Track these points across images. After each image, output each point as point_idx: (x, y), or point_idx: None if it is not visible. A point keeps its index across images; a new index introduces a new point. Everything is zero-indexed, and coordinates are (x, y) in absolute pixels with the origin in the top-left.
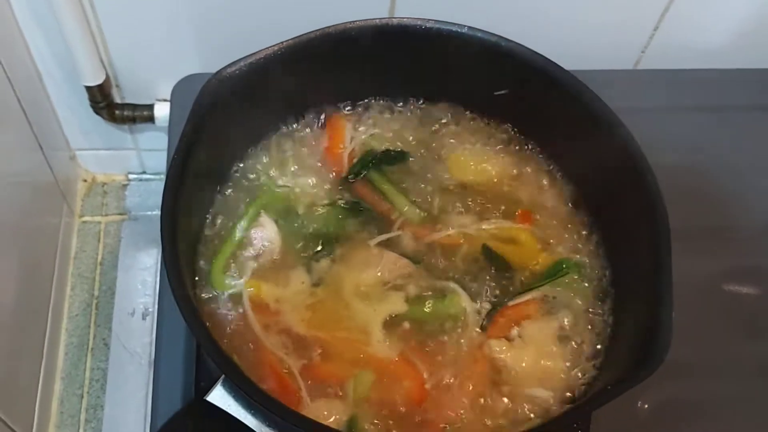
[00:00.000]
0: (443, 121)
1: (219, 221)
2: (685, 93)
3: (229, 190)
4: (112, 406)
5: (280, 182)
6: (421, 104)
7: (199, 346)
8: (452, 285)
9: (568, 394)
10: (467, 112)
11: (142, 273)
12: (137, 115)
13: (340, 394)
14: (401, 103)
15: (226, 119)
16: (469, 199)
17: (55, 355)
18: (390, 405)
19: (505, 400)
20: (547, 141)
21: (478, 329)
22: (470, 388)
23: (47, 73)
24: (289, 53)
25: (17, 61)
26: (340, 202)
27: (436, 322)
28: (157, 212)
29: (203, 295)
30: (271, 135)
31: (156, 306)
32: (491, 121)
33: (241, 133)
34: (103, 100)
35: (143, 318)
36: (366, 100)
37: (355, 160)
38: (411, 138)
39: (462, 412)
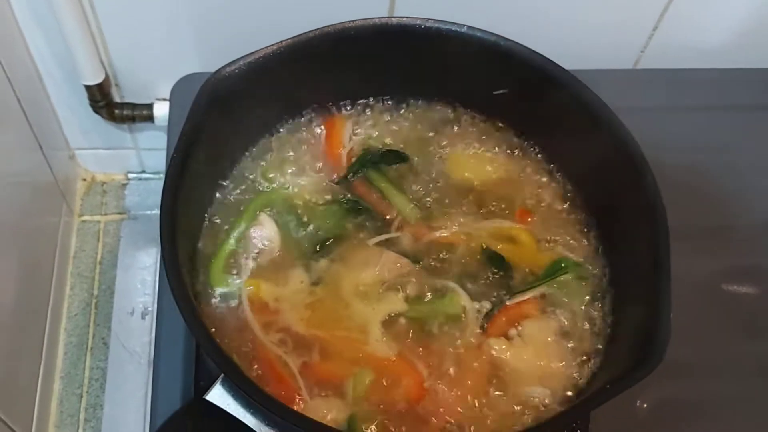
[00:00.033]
0: (442, 120)
1: (218, 220)
2: (685, 93)
3: (229, 189)
4: (112, 405)
5: (279, 181)
6: (421, 104)
7: (199, 346)
8: (451, 284)
9: (568, 393)
10: (467, 112)
11: (142, 272)
12: (137, 115)
13: (340, 393)
14: (400, 103)
15: (225, 118)
16: (468, 199)
17: (54, 354)
18: (389, 404)
19: (505, 399)
20: (546, 140)
21: (477, 328)
22: (469, 387)
23: (47, 72)
24: (289, 52)
25: (17, 60)
26: (339, 201)
27: (435, 322)
28: (157, 211)
29: (202, 294)
30: (270, 134)
31: (155, 305)
32: (490, 120)
33: (240, 132)
34: (102, 100)
35: (143, 317)
36: (365, 100)
37: (354, 160)
38: (410, 137)
39: (461, 411)
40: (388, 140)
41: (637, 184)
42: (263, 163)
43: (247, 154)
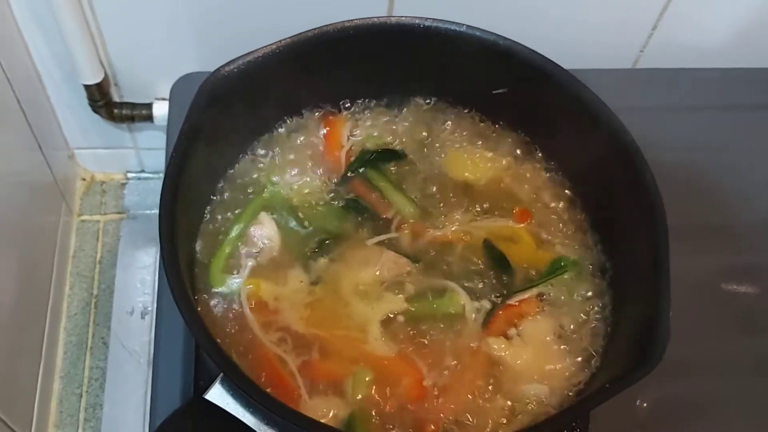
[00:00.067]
0: (441, 120)
1: (218, 219)
2: (684, 92)
3: (228, 189)
4: (111, 405)
5: (278, 181)
6: (420, 103)
7: (198, 345)
8: (451, 283)
9: (567, 392)
10: (466, 111)
11: (141, 272)
12: (136, 114)
13: (339, 392)
14: (400, 102)
15: (224, 117)
16: (468, 198)
17: (54, 354)
18: (389, 403)
19: (504, 398)
20: (545, 140)
21: (476, 328)
22: (468, 386)
23: (46, 72)
24: (287, 52)
25: (16, 60)
26: (338, 200)
27: (434, 321)
28: (156, 211)
29: (202, 293)
30: (269, 133)
31: (155, 305)
32: (490, 120)
33: (239, 132)
34: (101, 99)
35: (142, 317)
36: (364, 99)
37: (353, 159)
38: (409, 137)
39: (460, 410)
40: (387, 140)
41: (636, 184)
42: (262, 163)
43: (246, 153)
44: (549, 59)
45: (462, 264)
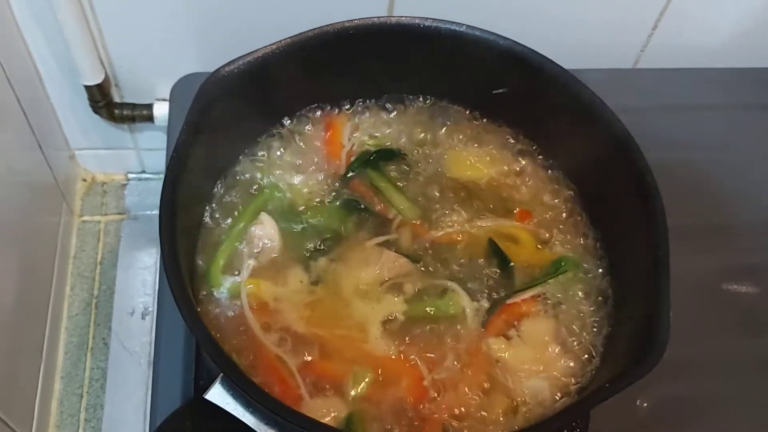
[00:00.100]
0: (442, 119)
1: (218, 219)
2: (684, 92)
3: (229, 189)
4: (112, 405)
5: (279, 181)
6: (420, 103)
7: (198, 345)
8: (451, 283)
9: (567, 391)
10: (466, 111)
11: (142, 272)
12: (136, 115)
13: (339, 391)
14: (399, 102)
15: (224, 117)
16: (468, 198)
17: (54, 354)
18: (388, 403)
19: (504, 397)
20: (545, 139)
21: (476, 327)
22: (468, 385)
23: (46, 72)
24: (287, 52)
25: (17, 60)
26: (338, 200)
27: (434, 321)
28: (157, 211)
29: (202, 293)
30: (269, 133)
31: (155, 305)
32: (490, 119)
33: (239, 131)
34: (102, 100)
35: (143, 317)
36: (364, 99)
37: (353, 159)
38: (409, 137)
39: (460, 409)
40: (387, 139)
41: (636, 184)
42: (262, 163)
43: (246, 153)
44: (549, 59)
45: (462, 264)
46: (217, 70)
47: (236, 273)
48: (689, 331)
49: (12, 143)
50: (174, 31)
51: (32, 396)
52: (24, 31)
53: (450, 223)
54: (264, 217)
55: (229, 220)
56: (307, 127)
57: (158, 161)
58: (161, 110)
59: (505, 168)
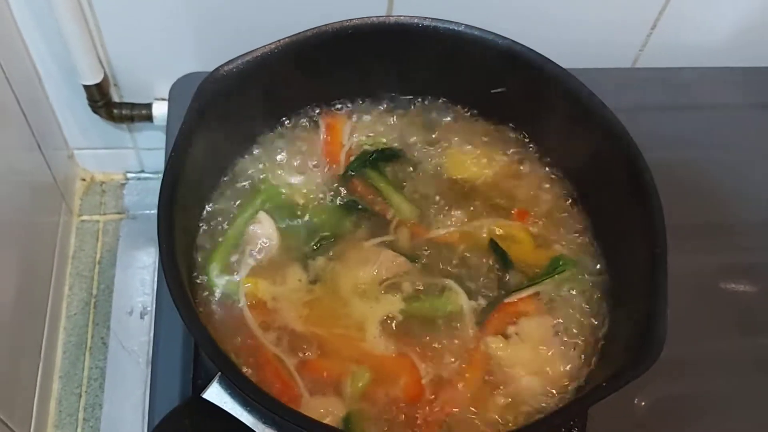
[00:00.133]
0: (441, 119)
1: (217, 219)
2: (683, 91)
3: (227, 188)
4: (111, 404)
5: (278, 180)
6: (419, 102)
7: (197, 344)
8: (449, 282)
9: (565, 390)
10: (464, 110)
11: (141, 272)
12: (135, 114)
13: (337, 390)
14: (399, 102)
15: (223, 117)
16: (466, 197)
17: (53, 354)
18: (387, 402)
19: (502, 396)
20: (544, 139)
21: (474, 326)
22: (467, 384)
23: (45, 72)
24: (286, 51)
25: (15, 60)
26: (337, 200)
27: (433, 320)
28: (156, 211)
29: (200, 292)
30: (268, 132)
31: (154, 305)
32: (488, 119)
33: (238, 131)
34: (101, 99)
35: (141, 317)
36: (363, 99)
37: (352, 159)
38: (408, 136)
39: (458, 408)
40: (386, 139)
41: (634, 183)
42: (261, 162)
43: (245, 152)
44: (548, 58)
45: (460, 263)
46: (216, 69)
47: (235, 272)
48: (687, 330)
49: (11, 143)
50: (173, 31)
51: (31, 395)
52: (23, 31)
53: (448, 223)
54: (262, 216)
55: (228, 220)
56: (306, 127)
57: (157, 161)
58: (160, 110)
59: (504, 167)
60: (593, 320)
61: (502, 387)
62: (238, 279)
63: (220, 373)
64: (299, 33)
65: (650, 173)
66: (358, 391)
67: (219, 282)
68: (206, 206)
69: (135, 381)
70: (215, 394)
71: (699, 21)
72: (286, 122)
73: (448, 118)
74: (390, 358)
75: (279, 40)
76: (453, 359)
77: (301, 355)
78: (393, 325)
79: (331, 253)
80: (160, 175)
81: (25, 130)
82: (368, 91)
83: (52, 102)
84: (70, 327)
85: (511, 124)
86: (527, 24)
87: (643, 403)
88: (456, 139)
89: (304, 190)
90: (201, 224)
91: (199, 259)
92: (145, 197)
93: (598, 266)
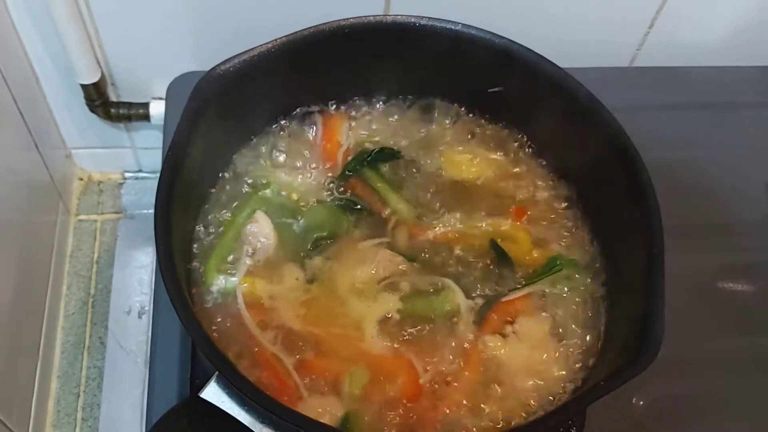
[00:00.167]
0: (438, 118)
1: (214, 218)
2: (681, 90)
3: (224, 187)
4: (109, 404)
5: (275, 179)
6: (416, 102)
7: (194, 344)
8: (446, 281)
9: (563, 389)
10: (462, 110)
11: (138, 271)
12: (133, 114)
13: (335, 390)
14: (396, 101)
15: (220, 116)
16: (464, 197)
17: (51, 353)
18: (385, 401)
19: (500, 395)
20: (542, 138)
21: (472, 325)
22: (464, 383)
23: (43, 71)
24: (283, 51)
25: (13, 59)
26: (335, 199)
27: (430, 319)
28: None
29: (198, 292)
30: (265, 132)
31: (152, 304)
32: (486, 118)
33: (235, 130)
34: (98, 99)
35: (139, 316)
36: (361, 98)
37: (349, 158)
38: (406, 136)
39: (456, 407)
40: (383, 138)
41: (632, 182)
42: (259, 161)
43: (242, 151)
44: (545, 58)
45: (458, 262)
46: (213, 68)
47: (232, 271)
48: (685, 330)
49: (8, 142)
50: (170, 30)
51: (29, 395)
52: (20, 31)
53: (446, 222)
54: (260, 215)
55: (225, 219)
56: (303, 126)
57: (155, 160)
58: (157, 109)
59: (501, 167)
60: (591, 319)
61: (499, 386)
62: (235, 278)
63: (217, 372)
64: (296, 32)
65: (647, 173)
66: (357, 391)
67: (216, 281)
68: (203, 206)
69: (133, 380)
70: (213, 393)
71: (696, 20)
72: (283, 122)
73: (446, 118)
74: (388, 358)
75: (276, 40)
76: (451, 358)
77: (298, 354)
78: (391, 324)
79: (328, 253)
80: (158, 175)
81: (22, 130)
82: (365, 90)
83: (49, 101)
84: (68, 327)
85: (508, 124)
86: (524, 23)
87: (641, 403)
88: (453, 138)
89: (302, 190)
90: (198, 224)
91: (197, 259)
92: (142, 197)
93: (596, 266)
